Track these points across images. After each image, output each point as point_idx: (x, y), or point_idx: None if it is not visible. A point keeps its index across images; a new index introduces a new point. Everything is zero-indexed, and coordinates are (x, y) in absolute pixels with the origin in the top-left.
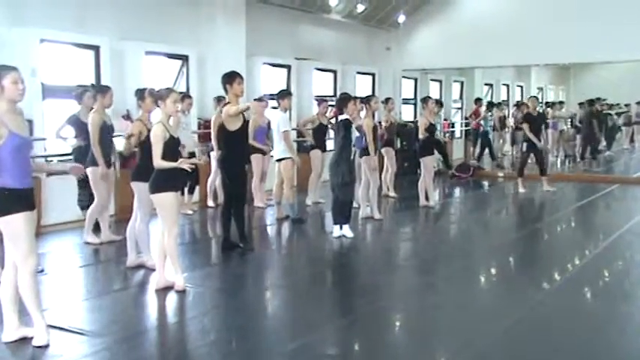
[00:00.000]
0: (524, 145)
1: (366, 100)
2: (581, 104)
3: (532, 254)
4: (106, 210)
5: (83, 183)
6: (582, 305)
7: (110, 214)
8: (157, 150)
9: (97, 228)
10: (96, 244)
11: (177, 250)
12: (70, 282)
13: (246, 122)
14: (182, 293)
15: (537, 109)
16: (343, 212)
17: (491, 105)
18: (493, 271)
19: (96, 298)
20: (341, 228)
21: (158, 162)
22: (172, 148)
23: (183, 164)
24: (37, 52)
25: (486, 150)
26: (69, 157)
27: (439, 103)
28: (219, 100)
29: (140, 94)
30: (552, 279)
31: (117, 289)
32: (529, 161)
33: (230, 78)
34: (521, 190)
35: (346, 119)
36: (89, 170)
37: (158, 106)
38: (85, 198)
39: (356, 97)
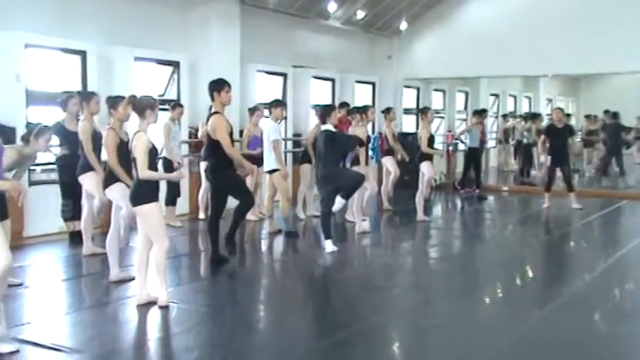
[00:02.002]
0: (550, 159)
1: (362, 110)
2: (587, 117)
3: (537, 270)
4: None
5: (67, 193)
6: (584, 324)
7: (95, 226)
8: (143, 160)
9: (80, 239)
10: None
11: (166, 264)
12: (51, 296)
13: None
14: (165, 309)
15: (564, 121)
16: (323, 226)
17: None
18: (493, 288)
19: (76, 312)
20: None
21: (145, 173)
22: (153, 158)
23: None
24: (21, 57)
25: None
26: (52, 167)
27: (484, 112)
28: (252, 111)
29: (112, 101)
30: (554, 296)
31: (98, 303)
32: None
33: (218, 86)
34: (547, 204)
35: (328, 130)
36: (83, 178)
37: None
38: (69, 208)
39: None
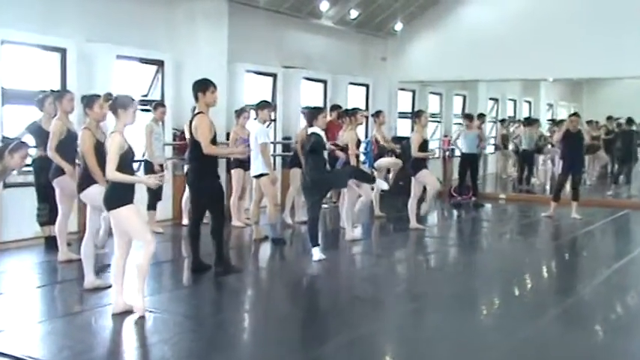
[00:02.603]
0: (562, 164)
1: (351, 113)
2: (589, 122)
3: (534, 281)
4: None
5: (43, 196)
6: (580, 338)
7: (71, 230)
8: (113, 161)
9: (56, 245)
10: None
11: (148, 269)
12: (24, 303)
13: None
14: (142, 318)
15: (577, 127)
16: (310, 234)
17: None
18: (487, 298)
19: (49, 321)
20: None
21: (113, 174)
22: (128, 160)
23: (150, 180)
24: None
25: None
26: (28, 169)
27: (469, 117)
28: (239, 112)
29: (87, 100)
30: (549, 308)
31: (73, 312)
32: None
33: (203, 86)
34: (549, 213)
35: (314, 133)
36: (57, 182)
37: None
38: (45, 213)
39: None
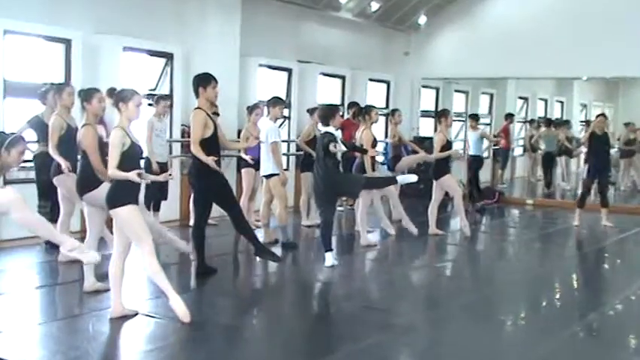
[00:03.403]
0: (587, 169)
1: (364, 111)
2: (626, 124)
3: (555, 292)
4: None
5: (45, 193)
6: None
7: (74, 230)
8: (112, 157)
9: (56, 245)
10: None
11: (159, 267)
12: (23, 304)
13: (216, 125)
14: (143, 323)
15: (604, 128)
16: (323, 238)
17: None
18: (504, 310)
19: (47, 324)
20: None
21: (110, 171)
22: (133, 157)
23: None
24: (0, 45)
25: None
26: (30, 164)
27: (476, 118)
28: (251, 109)
29: (85, 94)
30: (571, 324)
31: (71, 315)
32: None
33: (204, 81)
34: (575, 223)
35: (328, 132)
36: (57, 180)
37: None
38: (46, 210)
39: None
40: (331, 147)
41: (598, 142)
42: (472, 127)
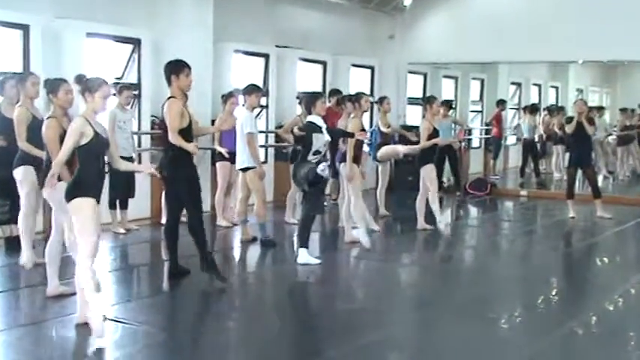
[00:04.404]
0: (568, 158)
1: (354, 99)
2: (623, 110)
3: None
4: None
5: (4, 191)
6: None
7: (37, 230)
8: (65, 146)
9: (18, 246)
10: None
11: (92, 275)
12: None
13: (190, 115)
14: (107, 328)
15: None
16: (300, 232)
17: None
18: (498, 307)
19: (7, 331)
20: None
21: (59, 162)
22: (94, 150)
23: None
24: None
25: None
26: None
27: (448, 104)
28: (226, 98)
29: (51, 85)
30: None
31: (33, 321)
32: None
33: (177, 68)
34: (571, 215)
35: (311, 122)
36: (18, 172)
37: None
38: (6, 210)
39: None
40: (319, 170)
41: (578, 129)
42: (443, 115)
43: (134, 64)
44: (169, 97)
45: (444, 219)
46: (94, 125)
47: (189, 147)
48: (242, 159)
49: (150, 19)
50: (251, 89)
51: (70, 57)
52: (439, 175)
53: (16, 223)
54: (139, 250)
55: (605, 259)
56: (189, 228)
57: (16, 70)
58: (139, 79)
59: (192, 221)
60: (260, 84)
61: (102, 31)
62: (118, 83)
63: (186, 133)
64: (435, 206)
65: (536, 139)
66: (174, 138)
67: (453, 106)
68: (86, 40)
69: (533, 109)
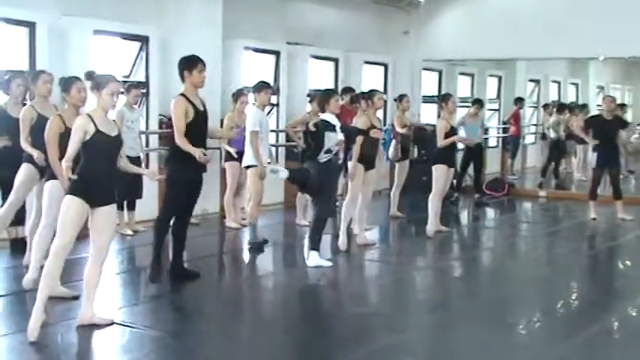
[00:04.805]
0: (596, 158)
1: (367, 96)
2: None
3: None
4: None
5: (9, 192)
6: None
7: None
8: (70, 147)
9: (23, 248)
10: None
11: (60, 267)
12: None
13: (201, 112)
14: (113, 333)
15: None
16: (311, 235)
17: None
18: (514, 312)
19: (11, 335)
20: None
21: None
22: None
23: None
24: None
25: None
26: None
27: (479, 103)
28: (237, 96)
29: (64, 83)
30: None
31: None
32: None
33: (190, 64)
34: (592, 216)
35: (324, 120)
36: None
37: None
38: None
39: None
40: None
41: (602, 128)
42: (476, 114)
43: (142, 62)
44: (179, 94)
45: (432, 227)
46: (98, 124)
47: (195, 153)
48: (247, 157)
49: (158, 16)
50: (260, 86)
51: (77, 55)
52: (462, 176)
53: (20, 224)
54: (146, 252)
55: (628, 262)
56: (174, 232)
57: (22, 69)
58: (147, 77)
59: (179, 226)
60: (271, 82)
61: (109, 28)
62: (126, 82)
63: (195, 127)
64: (432, 210)
65: (564, 138)
66: (179, 140)
67: (497, 106)
68: (93, 38)
69: (560, 107)
